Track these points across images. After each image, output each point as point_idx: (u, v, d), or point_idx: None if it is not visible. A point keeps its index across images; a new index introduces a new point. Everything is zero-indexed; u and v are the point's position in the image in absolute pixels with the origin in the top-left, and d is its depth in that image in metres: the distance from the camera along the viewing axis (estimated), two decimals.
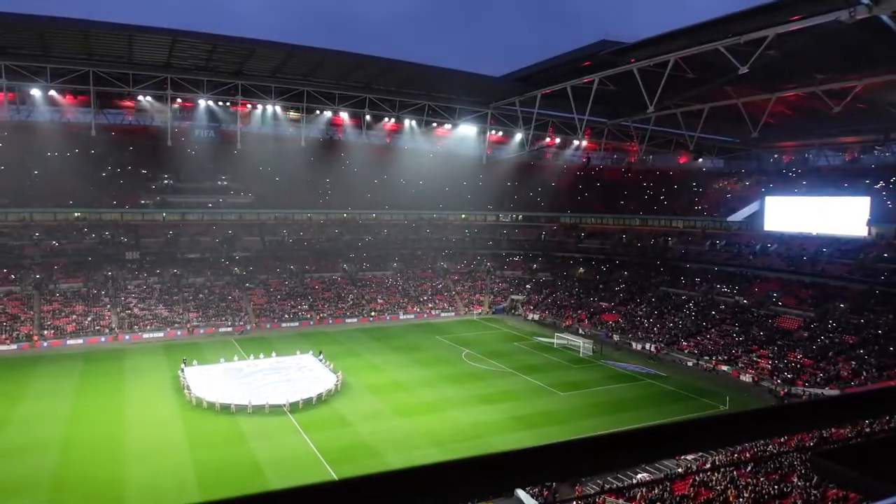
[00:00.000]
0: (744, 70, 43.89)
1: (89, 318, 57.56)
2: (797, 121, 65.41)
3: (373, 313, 68.80)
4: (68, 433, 33.49)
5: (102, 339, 55.52)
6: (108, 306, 60.36)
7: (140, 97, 64.10)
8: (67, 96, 62.95)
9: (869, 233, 61.05)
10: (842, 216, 62.87)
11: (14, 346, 52.02)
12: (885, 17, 33.48)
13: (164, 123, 67.87)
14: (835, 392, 41.53)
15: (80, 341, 54.38)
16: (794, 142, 77.12)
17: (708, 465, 27.84)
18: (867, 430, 24.68)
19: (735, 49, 43.65)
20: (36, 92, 59.32)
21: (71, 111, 69.20)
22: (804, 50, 42.90)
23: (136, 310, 60.50)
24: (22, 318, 55.44)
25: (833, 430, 24.67)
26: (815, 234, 64.66)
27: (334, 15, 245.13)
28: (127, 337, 56.56)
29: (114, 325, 57.74)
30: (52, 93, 60.62)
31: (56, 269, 63.44)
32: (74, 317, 57.35)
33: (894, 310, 50.95)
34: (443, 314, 71.81)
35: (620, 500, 25.32)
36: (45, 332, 54.76)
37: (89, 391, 41.02)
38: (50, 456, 30.26)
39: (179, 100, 65.52)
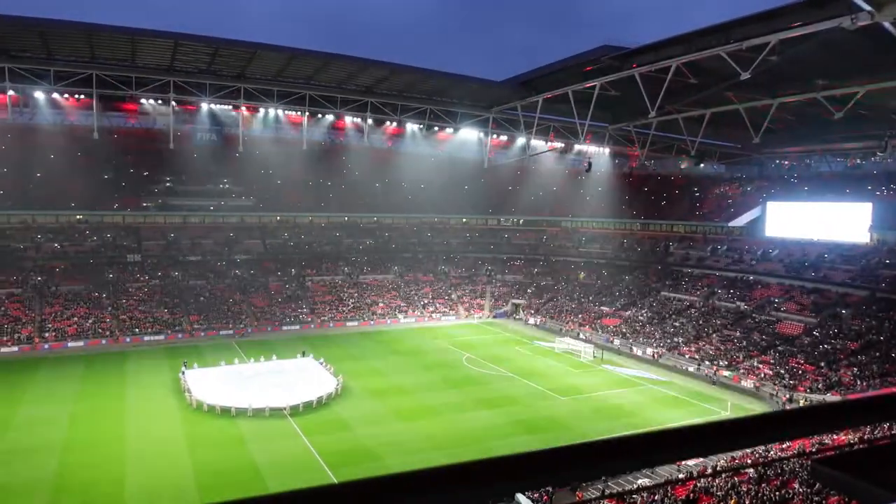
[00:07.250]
0: (745, 76, 43.78)
1: (90, 321, 57.59)
2: (799, 126, 65.30)
3: (374, 317, 68.77)
4: (69, 436, 33.50)
5: (103, 341, 55.54)
6: (109, 308, 60.38)
7: (143, 100, 64.14)
8: (70, 99, 63.05)
9: (871, 239, 60.94)
10: (843, 222, 62.75)
11: (15, 349, 52.09)
12: (887, 24, 33.48)
13: (167, 126, 67.83)
14: (836, 398, 41.42)
15: (80, 343, 54.41)
16: (796, 147, 76.97)
17: (709, 471, 27.75)
18: (868, 436, 24.62)
19: (737, 55, 43.55)
20: (39, 94, 59.41)
21: (73, 113, 69.25)
22: (806, 56, 42.85)
23: (136, 312, 60.51)
24: (23, 320, 55.46)
25: (834, 436, 24.61)
26: (816, 239, 64.54)
27: (345, 21, 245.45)
28: (128, 339, 56.58)
29: (115, 328, 57.75)
30: (55, 95, 60.71)
31: (57, 272, 63.55)
32: (75, 319, 57.38)
33: None
34: (444, 318, 71.76)
35: None
36: (46, 334, 54.79)
37: (90, 393, 41.06)
38: (51, 459, 30.24)
39: (182, 103, 65.57)
